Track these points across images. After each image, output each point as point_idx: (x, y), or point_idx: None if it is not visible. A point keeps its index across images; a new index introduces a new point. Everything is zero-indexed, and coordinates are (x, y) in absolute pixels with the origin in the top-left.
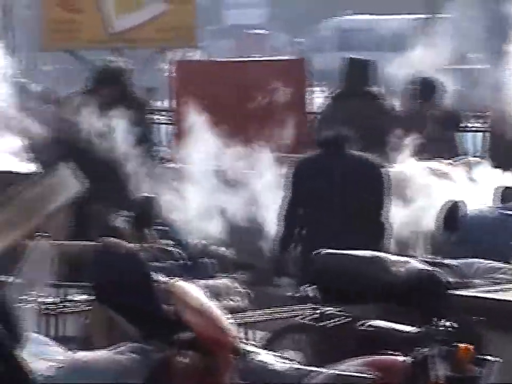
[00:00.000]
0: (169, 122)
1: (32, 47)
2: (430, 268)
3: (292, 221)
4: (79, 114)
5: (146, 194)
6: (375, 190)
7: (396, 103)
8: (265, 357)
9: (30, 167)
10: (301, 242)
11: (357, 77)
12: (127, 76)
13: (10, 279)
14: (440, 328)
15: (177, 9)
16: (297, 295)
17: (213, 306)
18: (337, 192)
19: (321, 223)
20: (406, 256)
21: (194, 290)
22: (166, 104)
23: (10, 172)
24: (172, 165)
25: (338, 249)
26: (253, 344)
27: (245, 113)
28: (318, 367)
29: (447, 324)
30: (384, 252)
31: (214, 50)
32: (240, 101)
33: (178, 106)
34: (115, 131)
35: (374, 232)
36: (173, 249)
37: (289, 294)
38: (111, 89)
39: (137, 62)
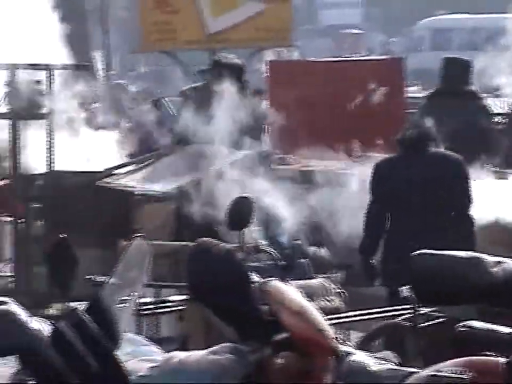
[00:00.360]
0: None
1: (129, 48)
2: None
3: (377, 222)
4: (196, 109)
5: (243, 195)
6: (458, 187)
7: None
8: (362, 357)
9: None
10: (387, 243)
11: (455, 76)
12: (243, 72)
13: (107, 279)
14: None
15: (273, 9)
16: (393, 295)
17: (310, 307)
18: (419, 191)
19: (406, 223)
20: (502, 256)
21: (291, 291)
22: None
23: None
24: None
25: (424, 249)
26: (349, 345)
27: (342, 113)
28: (413, 367)
29: None
30: (474, 249)
31: (310, 50)
32: (336, 101)
33: (272, 107)
34: (228, 128)
35: (462, 229)
36: (269, 249)
37: (385, 294)
38: (228, 84)
39: None
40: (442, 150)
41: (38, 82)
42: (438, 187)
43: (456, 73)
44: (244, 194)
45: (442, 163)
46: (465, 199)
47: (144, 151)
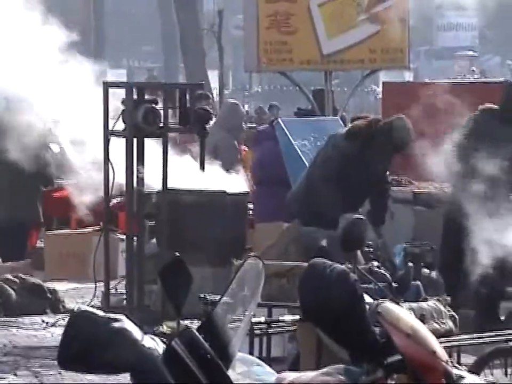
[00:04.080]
0: None
1: (244, 68)
2: None
3: None
4: None
5: (355, 216)
6: None
7: None
8: (474, 381)
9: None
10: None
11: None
12: None
13: (220, 298)
14: None
15: (389, 30)
16: (503, 319)
17: (423, 329)
18: None
19: None
20: None
21: (402, 312)
22: None
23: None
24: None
25: None
26: (461, 368)
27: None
28: None
29: None
30: None
31: (425, 71)
32: (451, 123)
33: None
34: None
35: None
36: (382, 270)
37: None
38: None
39: (348, 84)
40: None
41: (153, 101)
42: None
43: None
44: (358, 216)
45: None
46: None
47: (267, 175)
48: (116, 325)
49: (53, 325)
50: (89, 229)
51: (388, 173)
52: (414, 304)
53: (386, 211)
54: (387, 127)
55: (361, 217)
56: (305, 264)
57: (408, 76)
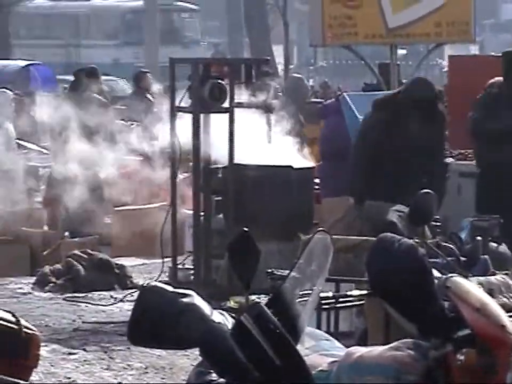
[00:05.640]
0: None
1: (310, 42)
2: None
3: None
4: None
5: (424, 190)
6: None
7: None
8: None
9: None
10: None
11: None
12: None
13: (288, 272)
14: None
15: (454, 3)
16: None
17: (492, 303)
18: None
19: None
20: None
21: (471, 287)
22: None
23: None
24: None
25: None
26: None
27: None
28: None
29: None
30: None
31: (490, 44)
32: None
33: (451, 102)
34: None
35: None
36: (449, 245)
37: None
38: None
39: (413, 57)
40: None
41: (219, 77)
42: None
43: None
44: (426, 190)
45: None
46: None
47: (333, 150)
48: (186, 300)
49: (121, 300)
50: (156, 205)
51: (441, 142)
52: (482, 279)
53: (444, 182)
54: (408, 86)
55: (430, 192)
56: (373, 238)
57: (474, 50)
